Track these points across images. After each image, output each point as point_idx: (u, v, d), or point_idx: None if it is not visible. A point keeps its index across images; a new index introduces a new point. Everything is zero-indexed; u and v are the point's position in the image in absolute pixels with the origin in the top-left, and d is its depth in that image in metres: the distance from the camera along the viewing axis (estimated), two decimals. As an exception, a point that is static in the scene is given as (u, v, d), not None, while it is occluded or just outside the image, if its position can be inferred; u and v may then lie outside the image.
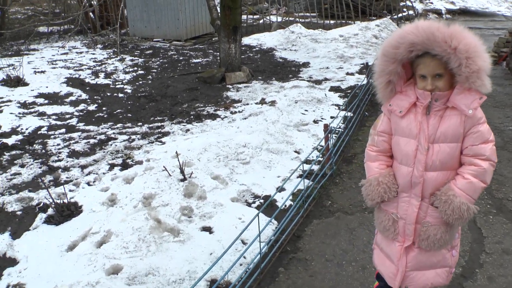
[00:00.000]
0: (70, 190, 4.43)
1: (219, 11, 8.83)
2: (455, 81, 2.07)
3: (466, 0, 21.12)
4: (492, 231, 3.73)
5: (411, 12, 16.62)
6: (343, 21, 16.10)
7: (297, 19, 17.00)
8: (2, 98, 7.38)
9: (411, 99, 2.15)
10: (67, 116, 6.77)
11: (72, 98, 7.61)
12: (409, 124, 2.16)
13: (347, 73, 9.03)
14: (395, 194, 2.26)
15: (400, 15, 16.54)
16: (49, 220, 3.94)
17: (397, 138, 2.23)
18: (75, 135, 5.99)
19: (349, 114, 5.95)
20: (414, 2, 19.45)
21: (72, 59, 10.61)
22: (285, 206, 4.11)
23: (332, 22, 16.16)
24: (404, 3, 17.68)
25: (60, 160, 5.18)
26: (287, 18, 17.00)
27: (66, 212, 3.99)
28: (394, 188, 2.25)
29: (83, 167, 4.98)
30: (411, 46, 2.01)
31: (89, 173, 4.82)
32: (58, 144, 5.66)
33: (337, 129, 5.55)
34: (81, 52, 11.51)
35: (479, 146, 2.10)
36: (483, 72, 1.98)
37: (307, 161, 4.83)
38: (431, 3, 20.51)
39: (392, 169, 2.30)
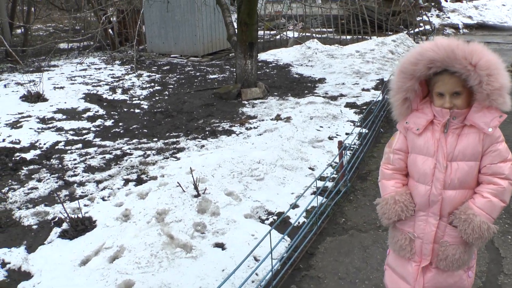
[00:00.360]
0: (85, 205, 4.47)
1: (235, 27, 8.92)
2: (472, 99, 2.05)
3: (484, 14, 20.95)
4: (511, 251, 3.64)
5: (427, 27, 16.55)
6: (360, 36, 16.11)
7: (314, 34, 17.07)
8: (22, 113, 7.53)
9: (428, 117, 2.13)
10: (84, 131, 6.87)
11: (90, 113, 7.72)
12: (427, 142, 2.14)
13: (363, 89, 9.00)
14: (412, 213, 2.23)
15: (416, 30, 16.48)
16: (63, 235, 3.98)
17: (414, 156, 2.21)
18: (91, 150, 6.06)
19: (364, 130, 5.92)
20: (431, 16, 19.38)
21: (91, 75, 10.79)
22: (299, 223, 4.08)
23: (348, 37, 16.19)
24: (421, 18, 17.62)
25: (76, 175, 5.24)
26: (304, 34, 17.08)
27: (81, 226, 4.03)
28: (411, 207, 2.22)
29: (98, 182, 5.04)
30: (430, 63, 2.00)
31: (104, 188, 4.86)
32: (75, 159, 5.74)
33: (351, 146, 5.52)
34: (99, 68, 11.70)
35: (498, 164, 2.08)
36: (504, 90, 1.96)
37: (321, 178, 4.80)
38: (448, 17, 20.40)
39: (408, 188, 2.27)
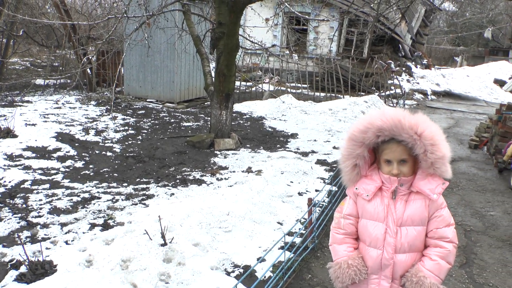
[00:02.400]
0: (47, 248, 4.35)
1: (213, 76, 9.09)
2: (416, 167, 2.17)
3: (450, 83, 22.00)
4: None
5: (398, 90, 17.21)
6: (333, 95, 16.60)
7: (289, 89, 17.50)
8: (-11, 148, 7.37)
9: (377, 183, 2.25)
10: (53, 171, 6.76)
11: (60, 153, 7.63)
12: (377, 208, 2.24)
13: (334, 147, 9.21)
14: (366, 276, 2.30)
15: (388, 92, 17.11)
16: (20, 278, 3.84)
17: (365, 221, 2.30)
18: (58, 191, 5.95)
19: (334, 188, 6.02)
20: (402, 81, 20.20)
21: (65, 114, 10.73)
22: (265, 277, 4.06)
23: (322, 94, 16.65)
24: (392, 82, 18.34)
25: (40, 216, 5.12)
26: (279, 88, 17.49)
27: (40, 270, 3.90)
28: (364, 271, 2.29)
29: (63, 225, 4.93)
30: (378, 131, 2.13)
31: (68, 232, 4.76)
32: (40, 200, 5.61)
33: (321, 203, 5.59)
34: (74, 108, 11.65)
35: (443, 229, 2.22)
36: (446, 159, 2.11)
37: (289, 233, 4.83)
38: (418, 83, 21.30)
39: (360, 252, 2.34)
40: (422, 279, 2.16)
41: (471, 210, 6.20)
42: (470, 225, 5.69)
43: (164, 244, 4.31)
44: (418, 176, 2.19)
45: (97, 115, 11.01)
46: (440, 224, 2.21)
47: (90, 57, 13.25)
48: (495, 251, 5.01)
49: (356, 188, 2.29)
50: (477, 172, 8.25)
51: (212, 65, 12.78)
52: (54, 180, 6.40)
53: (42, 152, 7.55)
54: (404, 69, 22.49)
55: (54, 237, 4.63)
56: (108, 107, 11.81)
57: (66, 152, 7.73)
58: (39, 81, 15.01)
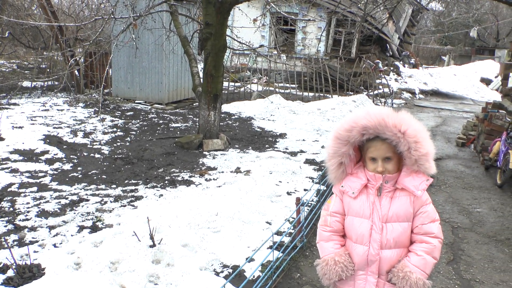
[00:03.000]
0: (35, 251, 4.33)
1: (201, 77, 9.09)
2: (401, 164, 2.22)
3: (438, 82, 22.20)
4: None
5: (386, 89, 17.32)
6: (321, 94, 16.66)
7: (277, 89, 17.53)
8: (-25, 152, 7.31)
9: (362, 181, 2.29)
10: (41, 174, 6.72)
11: (48, 156, 7.58)
12: (362, 205, 2.28)
13: (322, 147, 9.25)
14: (352, 273, 2.33)
15: (376, 92, 17.22)
16: (7, 282, 3.81)
17: (351, 218, 2.33)
18: (46, 194, 5.92)
19: (323, 187, 6.06)
20: (390, 80, 20.33)
21: (52, 116, 10.65)
22: (254, 276, 4.09)
23: (310, 94, 16.70)
24: (380, 81, 18.45)
25: (27, 219, 5.09)
26: (268, 88, 17.52)
27: (28, 274, 3.88)
28: (350, 267, 2.32)
29: (51, 227, 4.90)
30: (363, 130, 2.17)
31: (56, 234, 4.73)
32: (28, 203, 5.58)
33: (309, 202, 5.63)
34: (62, 110, 11.57)
35: (428, 225, 2.26)
36: (430, 156, 2.16)
37: (278, 233, 4.86)
38: (406, 82, 21.46)
39: (346, 248, 2.37)
40: (409, 274, 2.20)
41: (459, 207, 6.27)
42: (458, 222, 5.75)
43: (153, 245, 4.31)
44: (403, 173, 2.23)
45: (85, 117, 10.95)
46: (425, 220, 2.26)
47: (78, 59, 13.19)
48: (481, 247, 5.08)
49: (342, 186, 2.33)
50: (464, 169, 8.34)
51: (200, 66, 12.78)
52: (42, 183, 6.37)
53: (29, 155, 7.50)
54: (392, 68, 22.65)
55: (42, 240, 4.61)
56: (96, 109, 11.76)
57: (54, 154, 7.69)
58: (26, 83, 14.89)
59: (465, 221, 5.81)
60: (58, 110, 11.53)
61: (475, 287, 4.19)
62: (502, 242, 5.24)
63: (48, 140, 8.43)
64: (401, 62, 24.71)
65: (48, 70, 15.32)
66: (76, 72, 14.49)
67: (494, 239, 5.32)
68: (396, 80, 21.48)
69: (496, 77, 24.06)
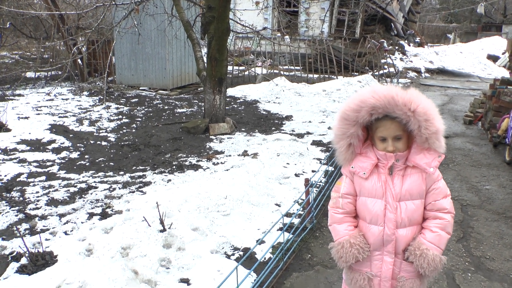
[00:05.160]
0: (46, 239, 4.35)
1: (205, 62, 9.04)
2: (410, 142, 2.19)
3: (444, 60, 21.98)
4: (471, 287, 3.76)
5: (391, 69, 17.18)
6: (326, 76, 16.56)
7: (282, 72, 17.44)
8: (-17, 143, 7.33)
9: (372, 161, 2.24)
10: (48, 163, 6.74)
11: (55, 145, 7.60)
12: (374, 185, 2.24)
13: (329, 128, 9.21)
14: (368, 254, 2.30)
15: (381, 72, 17.08)
16: (21, 270, 3.84)
17: (364, 199, 2.29)
18: (55, 183, 5.94)
19: (330, 168, 6.04)
20: (395, 60, 20.15)
21: (58, 105, 10.66)
22: (265, 258, 4.09)
23: (315, 76, 16.60)
24: (385, 61, 18.29)
25: (38, 208, 5.11)
26: (272, 71, 17.44)
27: (41, 261, 3.91)
28: (367, 248, 2.30)
29: (61, 215, 4.92)
30: (372, 110, 2.11)
31: (67, 222, 4.76)
32: (37, 192, 5.60)
33: (318, 183, 5.61)
34: (67, 99, 11.58)
35: (441, 201, 2.24)
36: (440, 133, 2.11)
37: (287, 214, 4.85)
38: (411, 61, 21.27)
39: (360, 229, 2.34)
40: (425, 251, 2.18)
41: (467, 185, 6.24)
42: (467, 199, 5.73)
43: (163, 230, 4.32)
44: (413, 150, 2.19)
45: (90, 105, 10.95)
46: (438, 196, 2.23)
47: (80, 47, 13.13)
48: (491, 224, 5.05)
49: (352, 167, 2.28)
50: (472, 147, 8.28)
51: (204, 50, 12.70)
52: (50, 172, 6.39)
53: (36, 145, 7.51)
54: (397, 47, 22.43)
55: (53, 228, 4.63)
56: (101, 97, 11.75)
57: (61, 143, 7.70)
58: (30, 74, 14.90)
59: (474, 198, 5.78)
60: (63, 99, 11.53)
61: (486, 264, 4.17)
62: (512, 218, 5.22)
63: (54, 130, 8.44)
64: (406, 41, 24.46)
65: (51, 60, 15.30)
66: (79, 61, 14.46)
67: (504, 216, 5.28)
68: (401, 59, 21.29)
69: (503, 53, 23.78)
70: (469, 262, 4.21)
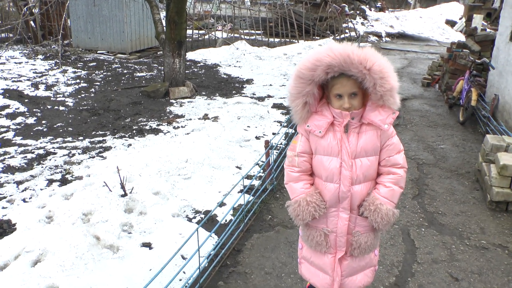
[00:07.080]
0: (3, 207, 4.27)
1: (164, 25, 8.84)
2: (365, 99, 2.23)
3: (404, 25, 22.22)
4: (424, 242, 3.97)
5: (353, 33, 17.26)
6: (287, 40, 16.49)
7: (242, 36, 17.24)
8: None
9: (328, 119, 2.25)
10: (3, 129, 6.52)
11: (9, 110, 7.34)
12: (330, 143, 2.26)
13: (290, 90, 9.24)
14: (325, 211, 2.36)
15: (342, 36, 17.14)
16: (-22, 239, 3.78)
17: (319, 157, 2.33)
18: (11, 149, 5.78)
19: (291, 130, 6.12)
20: (356, 24, 20.23)
21: (10, 69, 10.24)
22: (226, 220, 4.16)
23: (276, 40, 16.52)
24: (347, 25, 18.34)
25: (-7, 175, 4.98)
26: (232, 35, 17.20)
27: (-2, 230, 3.85)
28: (323, 205, 2.33)
29: (18, 183, 4.82)
30: (328, 68, 2.10)
31: (25, 189, 4.67)
32: (-8, 158, 5.45)
33: (278, 145, 5.68)
34: (20, 62, 11.12)
35: (394, 156, 2.31)
36: (394, 91, 2.14)
37: (248, 176, 4.92)
38: (372, 26, 21.40)
39: (316, 187, 2.39)
40: (379, 206, 2.25)
41: (424, 144, 6.46)
42: (423, 158, 5.94)
43: (124, 195, 4.32)
44: (368, 108, 2.21)
45: (45, 69, 10.56)
46: (392, 152, 2.30)
47: (31, 8, 12.54)
48: (444, 181, 5.29)
49: (308, 126, 2.29)
50: (429, 108, 8.53)
51: (163, 13, 12.38)
52: (4, 138, 6.20)
53: (-11, 110, 7.25)
54: (358, 12, 22.48)
55: (10, 195, 4.53)
56: (57, 61, 11.35)
57: (16, 109, 7.45)
58: (-22, 36, 14.16)
59: (429, 157, 6.01)
60: (16, 63, 11.07)
61: (438, 219, 4.39)
62: (463, 175, 5.47)
63: (7, 94, 8.13)
64: (367, 6, 24.52)
65: (0, 22, 14.56)
66: (32, 23, 13.82)
67: (456, 173, 5.54)
68: (362, 23, 21.38)
69: (460, 18, 24.23)
70: (423, 218, 4.41)
